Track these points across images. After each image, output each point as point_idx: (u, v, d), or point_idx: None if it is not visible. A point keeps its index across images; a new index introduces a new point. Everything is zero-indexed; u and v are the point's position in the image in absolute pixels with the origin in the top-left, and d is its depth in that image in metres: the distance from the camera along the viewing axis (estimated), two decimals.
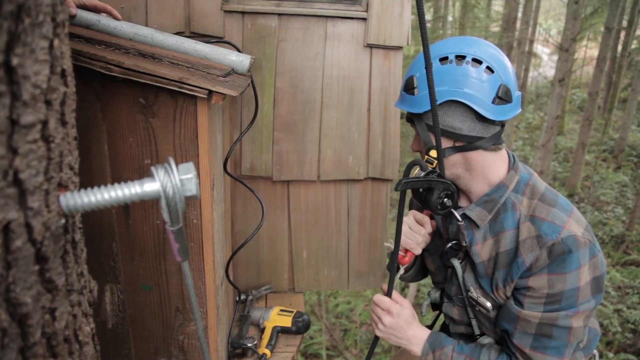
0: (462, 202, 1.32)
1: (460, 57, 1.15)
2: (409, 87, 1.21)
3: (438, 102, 1.12)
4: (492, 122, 1.17)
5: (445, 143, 1.19)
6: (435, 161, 1.18)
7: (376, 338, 1.38)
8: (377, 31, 1.79)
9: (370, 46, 1.83)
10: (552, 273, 1.09)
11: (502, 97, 1.14)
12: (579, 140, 9.59)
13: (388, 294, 1.33)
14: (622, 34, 12.18)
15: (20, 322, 0.54)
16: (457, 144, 1.19)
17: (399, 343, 1.31)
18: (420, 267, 1.60)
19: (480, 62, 1.14)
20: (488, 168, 1.22)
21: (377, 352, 5.09)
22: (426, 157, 1.20)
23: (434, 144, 1.16)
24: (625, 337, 5.74)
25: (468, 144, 1.18)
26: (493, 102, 1.14)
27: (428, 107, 1.14)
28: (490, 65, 1.14)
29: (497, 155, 1.23)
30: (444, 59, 1.16)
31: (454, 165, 1.22)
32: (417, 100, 1.19)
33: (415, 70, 1.21)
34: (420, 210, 1.40)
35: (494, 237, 1.20)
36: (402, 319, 1.30)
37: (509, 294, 1.17)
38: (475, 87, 1.13)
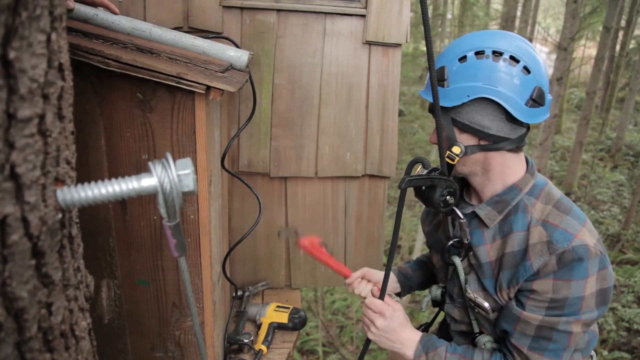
0: (473, 201, 1.31)
1: (498, 54, 1.10)
2: (439, 77, 1.16)
3: (470, 98, 1.10)
4: (519, 124, 1.14)
5: (470, 140, 1.17)
6: (457, 157, 1.15)
7: (368, 341, 1.36)
8: (376, 28, 1.79)
9: (369, 43, 1.82)
10: (559, 279, 1.07)
11: (536, 100, 1.11)
12: (576, 139, 9.62)
13: (380, 297, 1.32)
14: (621, 34, 12.20)
15: (17, 316, 0.54)
16: (482, 143, 1.16)
17: (392, 347, 1.29)
18: (413, 283, 1.64)
19: (517, 61, 1.10)
20: (506, 170, 1.20)
21: (373, 349, 5.10)
22: (448, 152, 1.16)
23: (457, 140, 1.15)
24: (619, 336, 5.78)
25: (493, 143, 1.15)
26: (526, 104, 1.11)
27: (458, 102, 1.12)
28: (527, 66, 1.10)
29: (517, 157, 1.21)
30: (480, 53, 1.11)
31: (474, 163, 1.20)
32: (447, 93, 1.14)
33: (446, 62, 1.16)
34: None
35: (502, 238, 1.19)
36: (395, 321, 1.28)
37: (512, 295, 1.16)
38: (510, 87, 1.09)
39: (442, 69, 1.16)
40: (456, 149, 1.16)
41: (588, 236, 1.09)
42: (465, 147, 1.16)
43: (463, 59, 1.13)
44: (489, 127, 1.14)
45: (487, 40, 1.13)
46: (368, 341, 1.36)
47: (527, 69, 1.10)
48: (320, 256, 1.50)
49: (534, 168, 1.24)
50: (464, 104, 1.13)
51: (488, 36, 1.15)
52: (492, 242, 1.21)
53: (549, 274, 1.08)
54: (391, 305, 1.31)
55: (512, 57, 1.10)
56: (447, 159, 1.17)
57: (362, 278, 1.54)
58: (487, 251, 1.21)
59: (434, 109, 1.12)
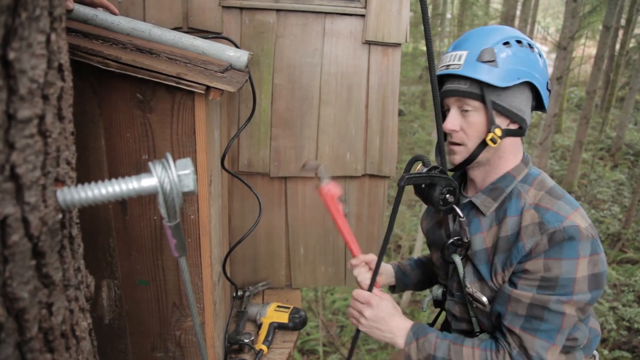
0: (470, 193, 1.33)
1: (530, 45, 1.20)
2: (485, 57, 1.17)
3: (520, 80, 1.16)
4: (530, 111, 1.24)
5: (502, 124, 1.20)
6: (499, 140, 1.18)
7: (358, 332, 1.36)
8: (376, 28, 1.79)
9: (369, 43, 1.82)
10: (549, 258, 1.09)
11: (549, 90, 1.25)
12: (576, 139, 9.62)
13: (369, 289, 1.32)
14: (621, 33, 12.20)
15: (17, 317, 0.54)
16: (512, 127, 1.21)
17: (383, 337, 1.29)
18: (409, 281, 1.64)
19: (540, 56, 1.22)
20: (511, 156, 1.25)
21: (374, 349, 5.11)
22: (492, 135, 1.18)
23: (495, 122, 1.18)
24: (620, 335, 5.79)
25: (520, 128, 1.22)
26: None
27: (510, 83, 1.15)
28: (545, 62, 1.24)
29: (521, 145, 1.28)
30: (519, 42, 1.19)
31: (498, 148, 1.22)
32: (499, 74, 1.15)
33: (490, 44, 1.18)
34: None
35: (498, 224, 1.21)
36: (383, 310, 1.29)
37: (506, 279, 1.18)
38: (542, 75, 1.21)
39: (490, 50, 1.17)
40: (498, 131, 1.18)
41: (579, 219, 1.11)
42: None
43: (507, 44, 1.18)
44: (524, 112, 1.21)
45: (518, 33, 1.22)
46: (358, 332, 1.36)
47: (545, 64, 1.24)
48: (336, 216, 1.46)
49: (528, 159, 1.28)
50: (505, 87, 1.16)
51: (513, 30, 1.24)
52: (489, 230, 1.23)
53: (540, 254, 1.10)
54: (379, 295, 1.32)
55: (538, 52, 1.22)
56: (489, 142, 1.19)
57: (367, 264, 1.52)
58: (483, 239, 1.24)
59: (473, 92, 1.18)
